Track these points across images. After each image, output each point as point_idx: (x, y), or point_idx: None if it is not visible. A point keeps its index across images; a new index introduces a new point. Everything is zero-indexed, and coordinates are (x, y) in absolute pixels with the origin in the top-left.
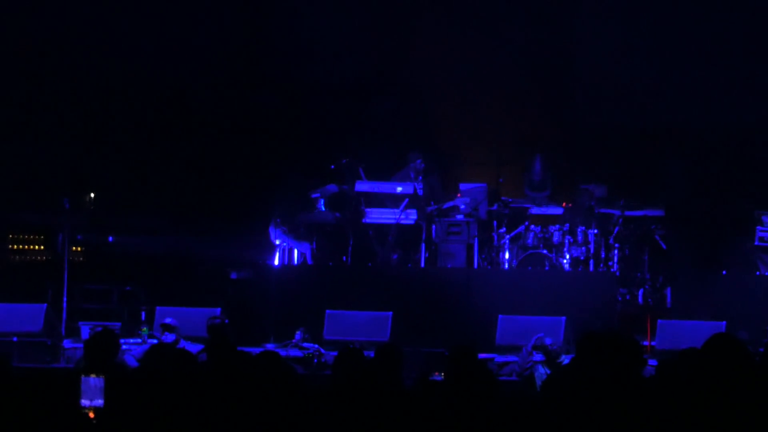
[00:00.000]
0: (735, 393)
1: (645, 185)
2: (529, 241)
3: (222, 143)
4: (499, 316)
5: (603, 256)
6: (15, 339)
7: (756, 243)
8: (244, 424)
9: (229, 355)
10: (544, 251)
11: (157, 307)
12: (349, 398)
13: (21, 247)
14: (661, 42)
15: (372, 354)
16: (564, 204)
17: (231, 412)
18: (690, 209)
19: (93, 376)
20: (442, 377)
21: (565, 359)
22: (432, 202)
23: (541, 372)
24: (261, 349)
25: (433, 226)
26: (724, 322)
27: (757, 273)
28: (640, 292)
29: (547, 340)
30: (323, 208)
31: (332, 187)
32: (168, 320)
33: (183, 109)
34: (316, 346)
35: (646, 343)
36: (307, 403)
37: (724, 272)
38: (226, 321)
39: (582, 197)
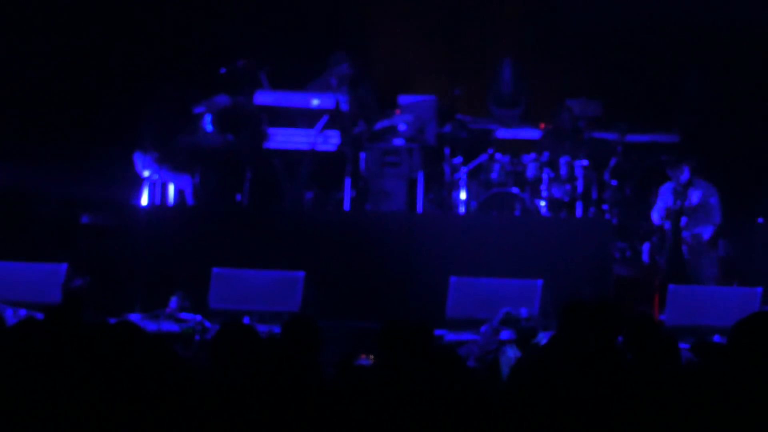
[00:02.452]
0: None
1: (653, 102)
2: (494, 175)
3: (68, 38)
4: (451, 278)
5: (595, 197)
6: None
7: None
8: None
9: (73, 327)
10: (515, 189)
11: None
12: (245, 392)
13: None
14: None
15: (277, 329)
16: (542, 125)
17: (75, 409)
18: (714, 135)
19: None
20: (372, 361)
21: (542, 338)
22: (361, 121)
23: (510, 356)
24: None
25: (362, 155)
26: (760, 289)
27: None
28: (646, 246)
29: (523, 312)
30: (210, 128)
31: (222, 99)
32: None
33: None
34: (199, 317)
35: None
36: (187, 398)
37: (760, 220)
38: (88, 279)
39: (560, 117)
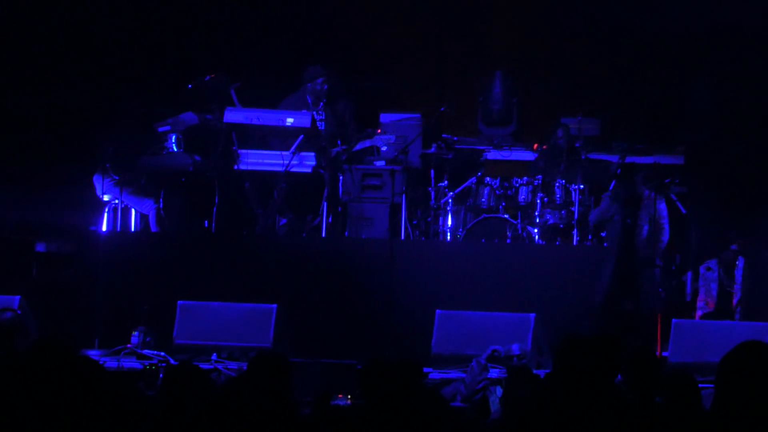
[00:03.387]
0: None
1: (656, 120)
2: (484, 199)
3: (20, 49)
4: (437, 311)
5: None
6: None
7: None
8: None
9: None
10: (506, 215)
11: None
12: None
13: None
14: None
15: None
16: (536, 146)
17: None
18: (723, 157)
19: None
20: (350, 401)
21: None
22: (339, 141)
23: (500, 395)
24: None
25: (341, 177)
26: None
27: None
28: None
29: (514, 348)
30: (175, 148)
31: (189, 117)
32: None
33: None
34: (163, 354)
35: (655, 352)
36: None
37: None
38: (20, 312)
39: (555, 136)
